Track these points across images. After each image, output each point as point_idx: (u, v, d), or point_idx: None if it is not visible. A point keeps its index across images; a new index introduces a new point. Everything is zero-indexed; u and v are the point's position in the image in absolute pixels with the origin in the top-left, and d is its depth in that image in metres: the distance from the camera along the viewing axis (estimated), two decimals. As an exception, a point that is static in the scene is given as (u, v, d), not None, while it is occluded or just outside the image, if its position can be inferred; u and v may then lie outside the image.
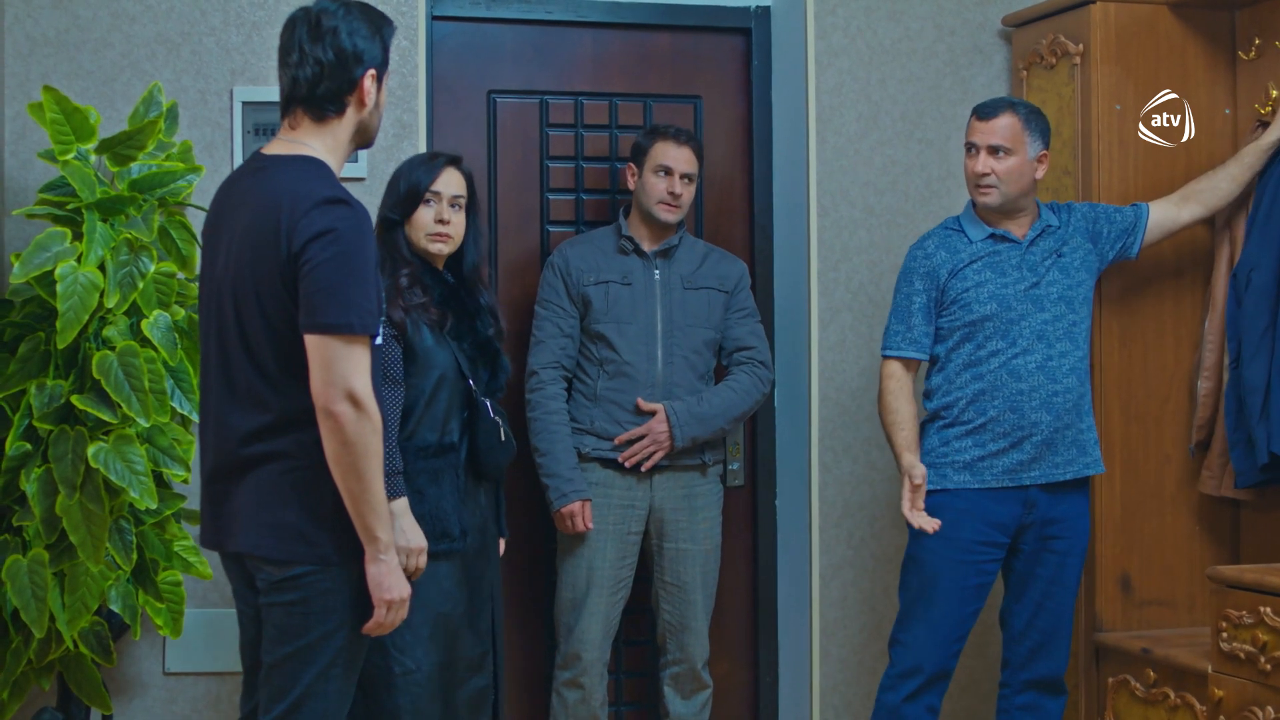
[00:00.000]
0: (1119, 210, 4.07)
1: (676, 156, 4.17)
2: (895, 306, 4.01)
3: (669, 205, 4.16)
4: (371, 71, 2.90)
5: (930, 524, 3.81)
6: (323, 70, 2.85)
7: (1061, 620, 3.98)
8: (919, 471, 3.86)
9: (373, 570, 2.82)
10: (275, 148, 2.92)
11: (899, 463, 3.92)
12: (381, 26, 2.94)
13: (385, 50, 2.94)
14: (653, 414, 4.13)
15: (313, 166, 2.85)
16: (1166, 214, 4.09)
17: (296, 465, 2.81)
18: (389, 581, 2.83)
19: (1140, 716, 4.04)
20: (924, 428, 3.99)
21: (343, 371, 2.72)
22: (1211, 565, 3.98)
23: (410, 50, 4.30)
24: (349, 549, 2.83)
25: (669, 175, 4.16)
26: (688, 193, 4.18)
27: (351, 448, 2.73)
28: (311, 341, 2.74)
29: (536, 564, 4.56)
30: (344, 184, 2.74)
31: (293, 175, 2.83)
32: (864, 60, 4.58)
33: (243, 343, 2.84)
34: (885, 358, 3.98)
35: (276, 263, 2.77)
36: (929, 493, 3.89)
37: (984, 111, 3.92)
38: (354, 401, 2.72)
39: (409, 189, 3.67)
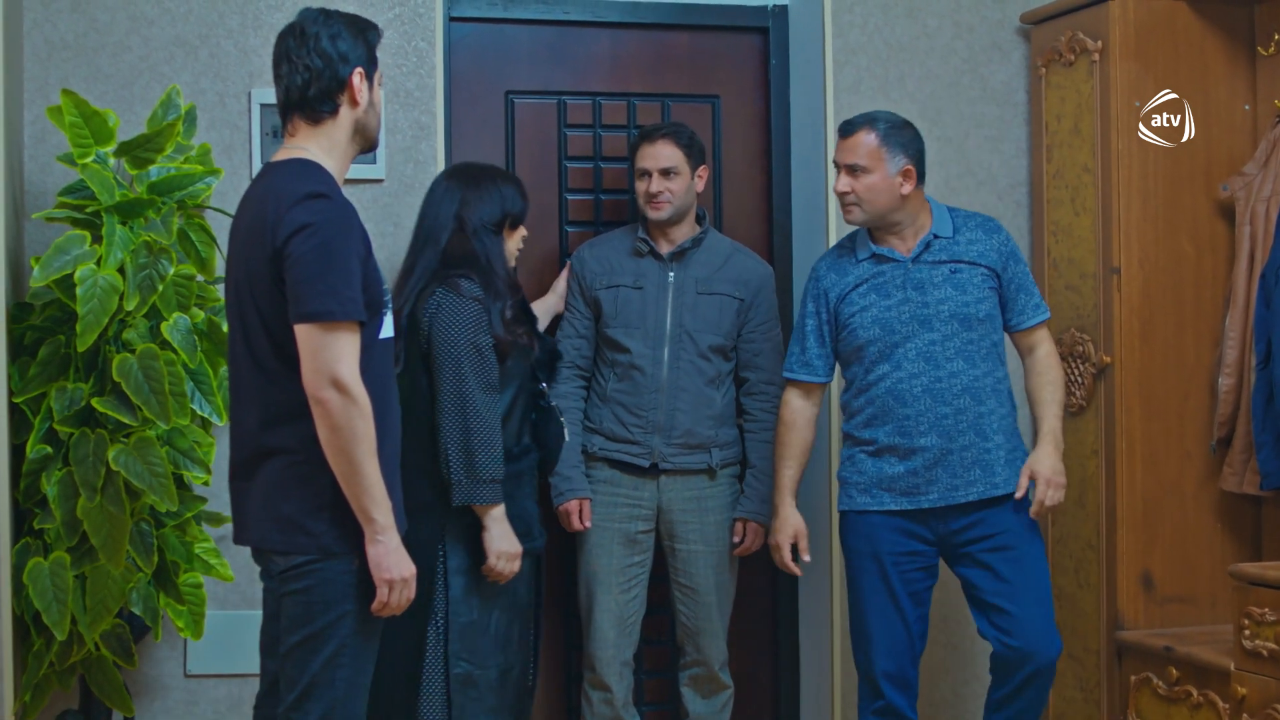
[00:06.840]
0: (1023, 291, 3.86)
1: (649, 155, 4.17)
2: (794, 327, 4.03)
3: (653, 204, 4.17)
4: (359, 70, 3.02)
5: (794, 568, 3.98)
6: (311, 74, 2.98)
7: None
8: (789, 532, 3.94)
9: (372, 551, 2.90)
10: (277, 155, 3.04)
11: (776, 503, 3.97)
12: (365, 30, 3.07)
13: (371, 51, 3.06)
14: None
15: (303, 166, 2.96)
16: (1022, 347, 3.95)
17: (297, 459, 2.90)
18: (388, 561, 2.90)
19: (1163, 715, 4.03)
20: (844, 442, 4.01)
21: (327, 358, 2.81)
22: (1233, 562, 3.97)
23: (428, 51, 4.31)
24: (351, 539, 2.90)
25: (648, 176, 4.17)
26: (672, 186, 4.15)
27: (340, 432, 2.82)
28: (299, 331, 2.83)
29: (559, 565, 4.56)
30: (362, 185, 2.77)
31: (283, 176, 2.95)
32: (881, 58, 4.57)
33: (246, 342, 2.94)
34: (785, 380, 4.02)
35: (265, 259, 2.88)
36: (842, 513, 3.93)
37: (843, 129, 3.84)
38: (339, 387, 2.81)
39: (520, 210, 3.81)
